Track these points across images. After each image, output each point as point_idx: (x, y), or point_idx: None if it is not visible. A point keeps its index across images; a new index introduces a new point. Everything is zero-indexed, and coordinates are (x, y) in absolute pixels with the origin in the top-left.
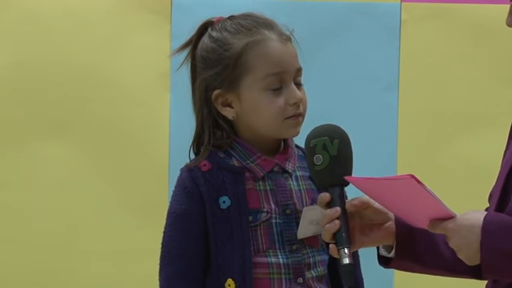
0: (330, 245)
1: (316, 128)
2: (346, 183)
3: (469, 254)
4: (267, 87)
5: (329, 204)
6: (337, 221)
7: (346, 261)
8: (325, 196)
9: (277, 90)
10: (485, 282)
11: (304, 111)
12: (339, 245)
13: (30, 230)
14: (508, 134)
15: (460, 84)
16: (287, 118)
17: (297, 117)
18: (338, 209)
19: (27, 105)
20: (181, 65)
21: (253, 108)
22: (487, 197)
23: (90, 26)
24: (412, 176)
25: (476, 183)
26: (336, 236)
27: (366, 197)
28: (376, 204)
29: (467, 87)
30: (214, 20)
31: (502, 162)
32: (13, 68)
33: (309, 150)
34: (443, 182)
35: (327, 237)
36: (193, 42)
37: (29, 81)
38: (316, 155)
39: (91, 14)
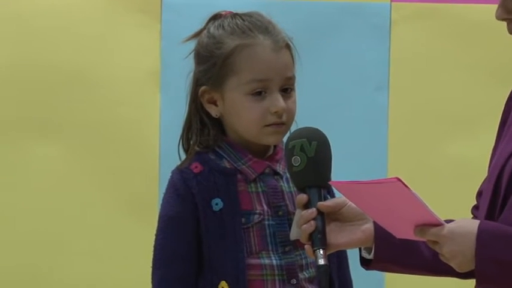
0: (305, 246)
1: (296, 130)
2: (324, 185)
3: (463, 262)
4: (249, 92)
5: (306, 206)
6: (312, 222)
7: (322, 262)
8: (302, 197)
9: (260, 96)
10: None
11: (289, 120)
12: (314, 246)
13: (20, 230)
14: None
15: (450, 85)
16: (267, 125)
17: (278, 125)
18: (314, 210)
19: (17, 107)
20: (189, 54)
21: (234, 110)
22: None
23: (80, 25)
24: (399, 179)
25: (467, 184)
26: (312, 237)
27: (341, 199)
28: (353, 205)
29: (458, 88)
30: (223, 13)
31: (490, 162)
32: (1, 69)
33: (288, 152)
34: (433, 183)
35: (303, 238)
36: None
37: (18, 82)
38: (294, 156)
39: (80, 13)
